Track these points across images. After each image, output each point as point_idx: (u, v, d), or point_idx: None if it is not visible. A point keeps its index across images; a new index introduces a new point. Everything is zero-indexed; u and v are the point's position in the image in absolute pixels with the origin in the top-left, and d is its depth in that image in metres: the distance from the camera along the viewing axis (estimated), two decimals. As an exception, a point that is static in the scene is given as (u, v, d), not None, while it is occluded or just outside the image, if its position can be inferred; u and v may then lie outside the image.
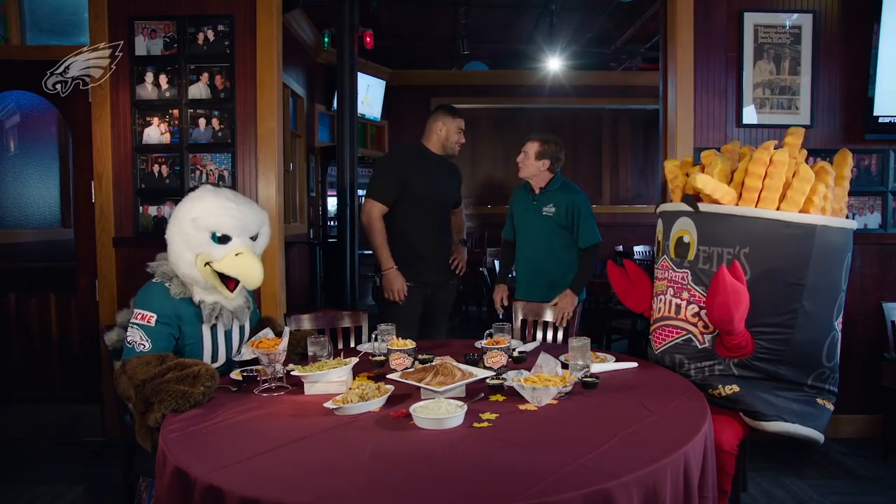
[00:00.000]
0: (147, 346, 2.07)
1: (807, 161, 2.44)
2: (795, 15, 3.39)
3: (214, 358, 2.27)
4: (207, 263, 2.15)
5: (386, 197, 3.15)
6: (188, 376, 1.88)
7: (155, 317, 2.11)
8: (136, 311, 2.14)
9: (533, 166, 3.18)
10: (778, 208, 2.23)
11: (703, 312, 2.28)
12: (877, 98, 3.33)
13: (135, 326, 2.10)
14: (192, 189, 2.33)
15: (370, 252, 3.31)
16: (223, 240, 2.16)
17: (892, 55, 3.31)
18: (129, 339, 2.10)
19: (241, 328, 2.36)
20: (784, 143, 2.37)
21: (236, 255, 2.17)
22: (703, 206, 2.33)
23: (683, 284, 2.35)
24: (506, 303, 3.32)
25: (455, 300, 3.56)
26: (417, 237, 3.19)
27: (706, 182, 2.27)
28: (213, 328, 2.25)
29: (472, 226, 9.10)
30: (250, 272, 2.18)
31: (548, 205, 3.18)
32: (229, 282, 2.20)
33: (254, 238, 2.27)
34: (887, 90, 3.33)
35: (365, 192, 3.26)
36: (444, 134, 3.20)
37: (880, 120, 3.36)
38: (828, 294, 2.26)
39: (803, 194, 2.22)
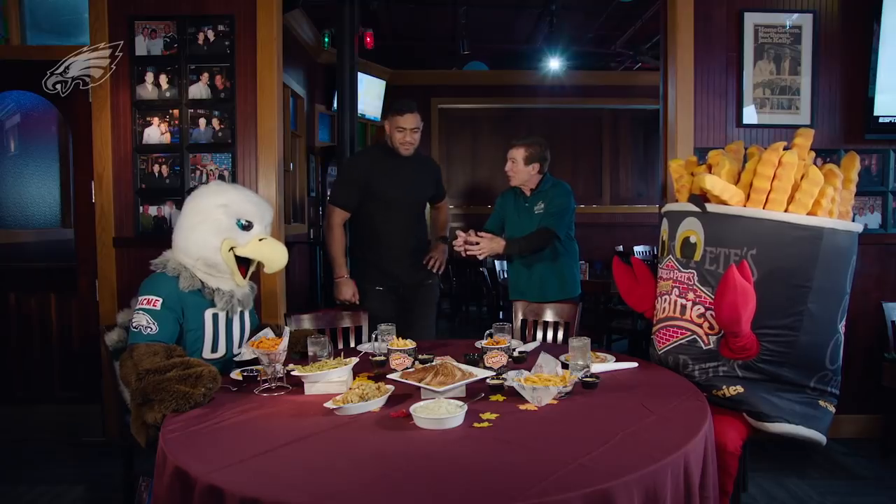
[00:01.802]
0: (154, 328, 2.08)
1: (815, 163, 2.43)
2: (795, 15, 3.39)
3: (215, 348, 2.29)
4: (231, 249, 2.25)
5: (345, 202, 3.14)
6: (190, 376, 1.88)
7: (161, 300, 2.13)
8: (140, 297, 2.16)
9: (523, 172, 3.18)
10: (786, 210, 2.22)
11: (708, 313, 2.28)
12: (877, 98, 3.33)
13: (140, 311, 2.12)
14: (194, 188, 2.39)
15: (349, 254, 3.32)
16: (247, 227, 2.28)
17: (892, 55, 3.30)
18: (134, 324, 2.11)
19: (242, 321, 2.38)
20: (793, 144, 2.35)
21: (260, 240, 2.30)
22: (710, 207, 2.32)
23: (689, 285, 2.35)
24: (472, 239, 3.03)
25: (443, 299, 3.50)
26: (385, 238, 3.14)
27: (714, 183, 2.26)
28: (215, 318, 2.27)
29: (471, 225, 9.08)
30: (277, 255, 2.34)
31: (538, 204, 3.20)
32: (240, 266, 2.30)
33: None
34: (887, 90, 3.33)
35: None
36: (388, 133, 3.12)
37: (880, 120, 3.36)
38: (833, 297, 2.25)
39: (812, 196, 2.21)
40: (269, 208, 2.41)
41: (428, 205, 3.47)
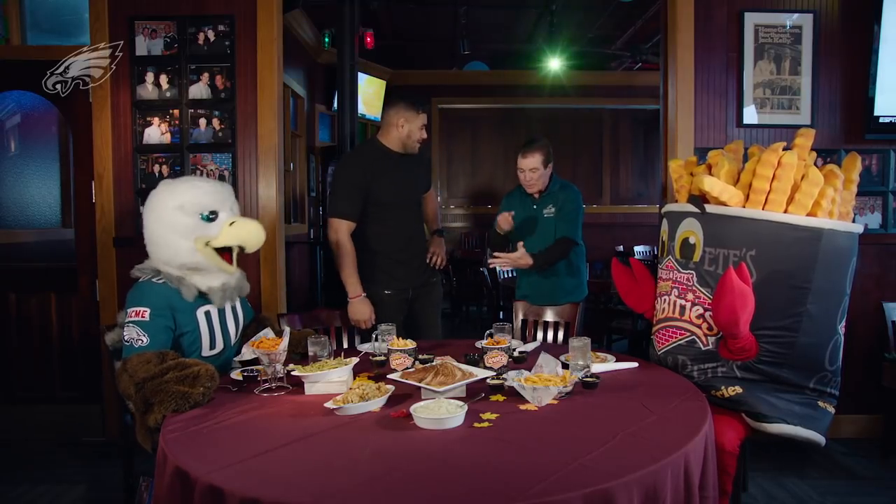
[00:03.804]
0: (145, 340, 2.07)
1: (815, 163, 2.42)
2: (796, 15, 3.39)
3: (213, 345, 2.28)
4: (207, 244, 2.21)
5: (350, 212, 2.89)
6: (188, 377, 1.88)
7: (148, 311, 2.11)
8: (129, 310, 2.14)
9: (545, 176, 3.14)
10: (786, 211, 2.22)
11: (707, 314, 2.28)
12: (877, 98, 3.33)
13: (130, 324, 2.10)
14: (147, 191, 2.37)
15: None
16: (212, 217, 2.23)
17: (892, 55, 3.30)
18: (126, 337, 2.10)
19: (235, 313, 2.38)
20: (793, 144, 2.35)
21: (231, 224, 2.24)
22: (709, 208, 2.32)
23: (688, 286, 2.35)
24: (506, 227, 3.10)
25: (443, 299, 3.35)
26: (389, 243, 2.98)
27: (713, 185, 2.26)
28: (208, 315, 2.26)
29: (471, 226, 9.11)
30: (253, 234, 2.27)
31: (547, 206, 3.17)
32: (223, 255, 2.26)
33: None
34: (888, 90, 3.33)
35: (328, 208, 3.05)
36: (405, 131, 2.92)
37: (881, 120, 3.36)
38: (833, 298, 2.25)
39: (812, 197, 2.20)
40: (226, 191, 2.33)
41: None
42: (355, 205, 2.90)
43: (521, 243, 3.06)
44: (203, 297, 2.26)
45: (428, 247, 3.13)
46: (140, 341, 2.06)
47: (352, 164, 3.06)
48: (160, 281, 2.19)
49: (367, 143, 3.11)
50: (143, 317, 2.10)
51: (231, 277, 2.30)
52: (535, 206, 3.20)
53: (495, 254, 3.07)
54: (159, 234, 2.21)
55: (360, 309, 2.89)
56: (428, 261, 3.10)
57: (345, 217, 2.90)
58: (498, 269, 5.53)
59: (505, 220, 3.07)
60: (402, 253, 3.02)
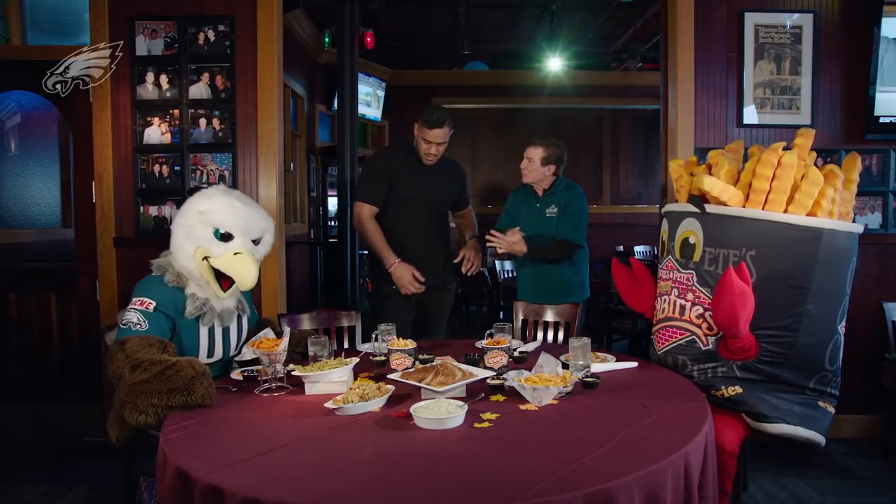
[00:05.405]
0: (144, 325, 2.06)
1: (816, 163, 2.42)
2: (796, 15, 3.39)
3: (211, 353, 2.26)
4: (206, 258, 2.17)
5: (374, 197, 3.05)
6: (179, 389, 1.84)
7: (154, 304, 2.11)
8: (134, 298, 2.14)
9: (538, 172, 3.16)
10: (785, 211, 2.22)
11: (707, 314, 2.28)
12: (877, 98, 3.33)
13: (132, 310, 2.09)
14: (195, 188, 2.37)
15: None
16: (225, 237, 2.18)
17: (892, 55, 3.30)
18: (124, 321, 2.08)
19: (239, 325, 2.36)
20: (793, 144, 2.35)
21: (235, 254, 2.17)
22: (709, 208, 2.32)
23: (688, 285, 2.35)
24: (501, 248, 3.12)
25: (453, 304, 3.40)
26: (405, 239, 3.06)
27: (713, 185, 2.26)
28: (211, 330, 2.25)
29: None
30: (245, 274, 2.18)
31: (550, 206, 3.18)
32: (224, 281, 2.21)
33: (256, 242, 2.28)
34: (888, 90, 3.33)
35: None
36: (415, 136, 3.05)
37: (881, 120, 3.36)
38: (833, 298, 2.25)
39: (811, 197, 2.21)
40: (260, 222, 2.27)
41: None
42: (378, 191, 3.07)
43: (517, 228, 3.07)
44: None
45: (461, 249, 3.18)
46: (139, 326, 2.05)
47: (379, 155, 3.44)
48: (170, 283, 2.18)
49: (404, 141, 3.23)
50: (147, 308, 2.10)
51: (218, 301, 2.24)
52: (537, 205, 3.22)
53: (493, 231, 3.09)
54: (175, 228, 2.22)
55: (402, 273, 2.98)
56: (456, 261, 3.16)
57: (366, 200, 3.06)
58: (497, 267, 5.55)
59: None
60: (413, 249, 3.06)
